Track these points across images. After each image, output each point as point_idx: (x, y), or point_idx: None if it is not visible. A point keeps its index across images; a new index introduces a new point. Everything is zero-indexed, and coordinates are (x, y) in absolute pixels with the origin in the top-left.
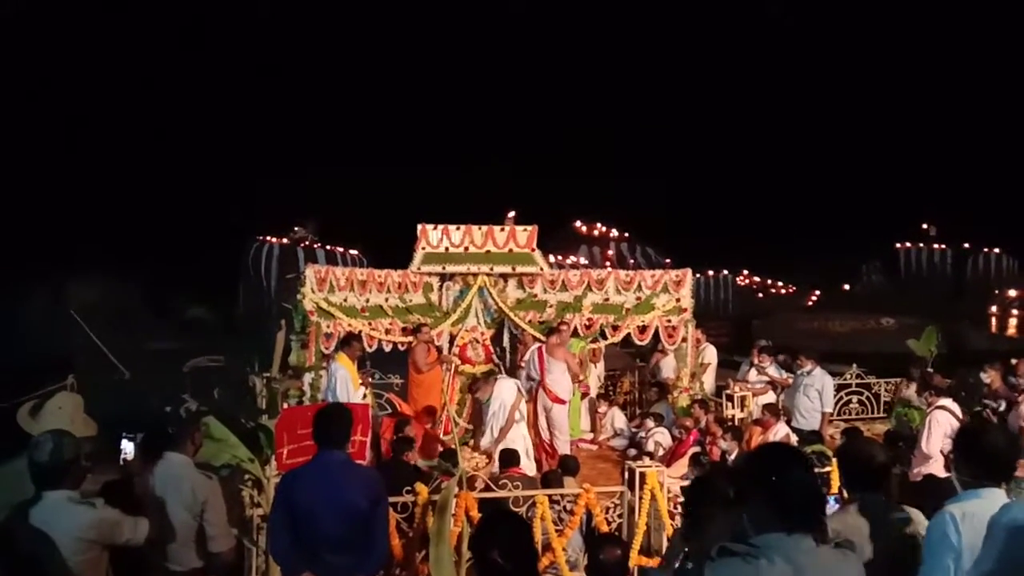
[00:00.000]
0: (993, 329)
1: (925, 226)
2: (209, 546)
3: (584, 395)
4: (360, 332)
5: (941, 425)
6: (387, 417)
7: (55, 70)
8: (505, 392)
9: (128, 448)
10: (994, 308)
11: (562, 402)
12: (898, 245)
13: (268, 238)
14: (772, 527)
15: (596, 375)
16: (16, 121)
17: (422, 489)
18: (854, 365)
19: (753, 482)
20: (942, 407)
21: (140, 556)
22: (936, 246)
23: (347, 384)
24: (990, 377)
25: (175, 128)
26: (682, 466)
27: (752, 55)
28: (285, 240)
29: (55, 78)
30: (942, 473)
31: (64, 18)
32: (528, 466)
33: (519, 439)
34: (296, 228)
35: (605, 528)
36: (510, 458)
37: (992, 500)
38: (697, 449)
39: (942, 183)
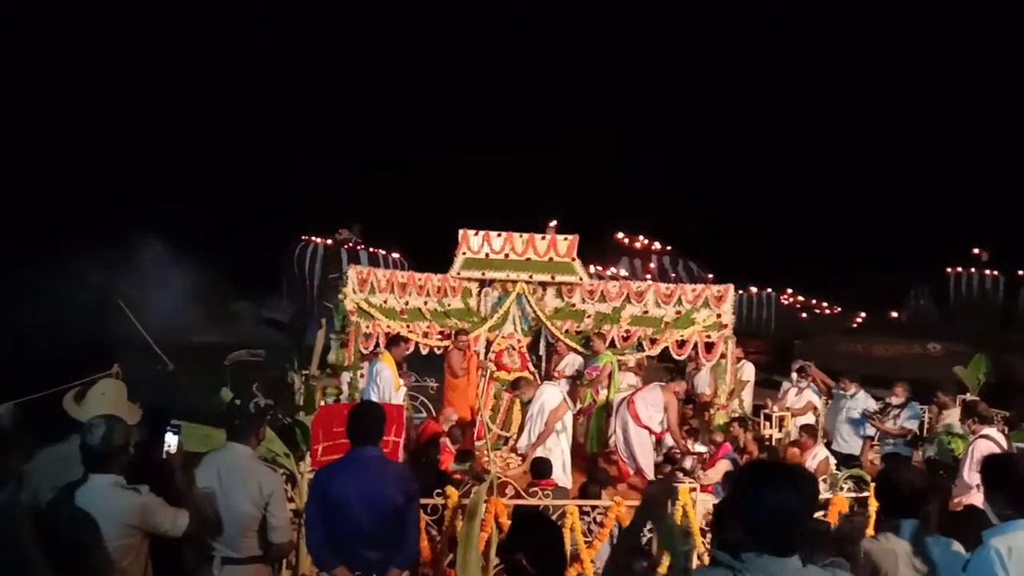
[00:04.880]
0: None
1: (977, 251)
2: (270, 536)
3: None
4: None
5: (983, 454)
6: (429, 421)
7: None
8: (547, 394)
9: (172, 441)
10: None
11: (642, 425)
12: (948, 270)
13: (312, 238)
14: (748, 546)
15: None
16: (80, 110)
17: (452, 493)
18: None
19: (733, 501)
20: (986, 436)
21: (183, 544)
22: (987, 272)
23: (389, 385)
24: None
25: (224, 126)
26: (708, 478)
27: (806, 70)
28: (329, 241)
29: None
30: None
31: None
32: (563, 479)
33: (557, 451)
34: (341, 230)
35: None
36: (542, 469)
37: None
38: (731, 467)
39: (996, 206)
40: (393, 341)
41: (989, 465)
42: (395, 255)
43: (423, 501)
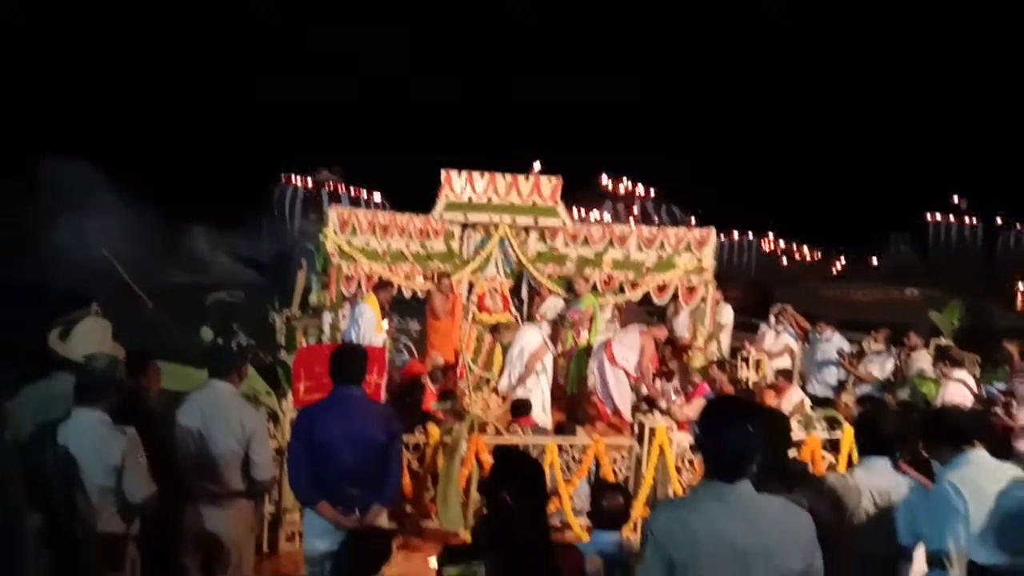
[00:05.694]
0: (1020, 307)
1: (956, 199)
2: (253, 473)
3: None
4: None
5: (955, 398)
6: (413, 362)
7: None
8: (526, 337)
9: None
10: (1021, 286)
11: (618, 366)
12: (928, 217)
13: (293, 178)
14: (710, 475)
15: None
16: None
17: (434, 430)
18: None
19: (698, 433)
20: (958, 380)
21: (166, 483)
22: (967, 220)
23: (371, 326)
24: (1009, 352)
25: (205, 67)
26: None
27: (787, 23)
28: (310, 181)
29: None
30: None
31: None
32: (542, 418)
33: (537, 391)
34: (320, 170)
35: (612, 479)
36: (521, 408)
37: (983, 462)
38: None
39: (976, 155)
40: (381, 284)
41: (923, 424)
42: (376, 196)
43: (405, 439)
